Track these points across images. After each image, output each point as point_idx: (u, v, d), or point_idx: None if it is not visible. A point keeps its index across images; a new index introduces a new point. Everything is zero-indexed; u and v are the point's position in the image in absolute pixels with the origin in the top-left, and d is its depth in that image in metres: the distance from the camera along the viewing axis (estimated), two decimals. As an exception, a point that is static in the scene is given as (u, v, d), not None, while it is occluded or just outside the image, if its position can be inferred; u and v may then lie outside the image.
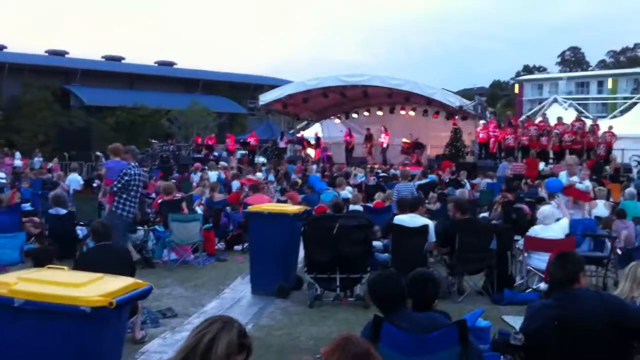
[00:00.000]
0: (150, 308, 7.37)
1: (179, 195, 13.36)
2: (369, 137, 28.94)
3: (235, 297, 8.68)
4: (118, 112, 45.78)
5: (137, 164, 9.85)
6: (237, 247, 12.39)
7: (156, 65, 60.37)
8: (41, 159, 28.90)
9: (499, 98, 79.69)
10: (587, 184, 11.41)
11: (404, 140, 27.41)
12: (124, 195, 9.14)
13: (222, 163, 20.06)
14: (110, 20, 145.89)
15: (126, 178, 9.13)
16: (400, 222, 8.83)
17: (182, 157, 28.75)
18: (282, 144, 29.56)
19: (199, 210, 12.88)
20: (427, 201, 13.04)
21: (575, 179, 11.03)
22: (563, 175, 11.00)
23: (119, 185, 9.10)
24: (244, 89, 55.57)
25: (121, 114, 45.65)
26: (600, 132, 23.38)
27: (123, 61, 58.36)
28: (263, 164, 24.62)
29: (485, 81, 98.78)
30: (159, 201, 12.47)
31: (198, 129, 39.58)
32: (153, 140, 31.72)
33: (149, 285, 4.04)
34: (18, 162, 26.45)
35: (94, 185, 16.86)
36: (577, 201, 10.88)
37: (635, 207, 12.66)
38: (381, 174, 21.86)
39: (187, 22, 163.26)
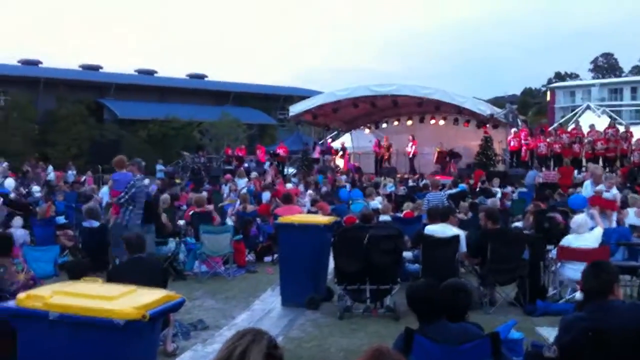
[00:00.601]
0: (182, 320, 7.42)
1: (210, 206, 13.45)
2: (387, 147, 28.85)
3: (266, 309, 8.70)
4: (150, 124, 46.34)
5: (142, 175, 9.97)
6: (267, 259, 12.43)
7: (187, 78, 61.03)
8: (75, 172, 29.36)
9: (531, 106, 78.83)
10: (614, 191, 11.21)
11: (438, 149, 27.23)
12: (130, 207, 9.26)
13: (254, 173, 20.16)
14: (143, 35, 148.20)
15: (133, 190, 9.26)
16: (431, 233, 8.78)
17: (213, 168, 28.96)
18: (315, 155, 29.62)
19: (230, 221, 12.97)
20: (458, 211, 12.97)
21: (601, 187, 10.82)
22: (588, 184, 10.74)
23: (126, 197, 9.24)
24: (273, 100, 55.90)
25: (153, 127, 46.21)
26: (634, 139, 22.97)
27: (155, 74, 59.14)
28: (293, 175, 24.68)
29: (516, 89, 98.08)
30: (190, 213, 12.58)
31: (229, 140, 39.85)
32: (184, 152, 32.02)
33: (182, 297, 4.07)
34: (51, 176, 26.87)
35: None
36: (605, 210, 10.65)
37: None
38: (411, 184, 21.77)
39: (217, 34, 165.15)
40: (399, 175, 25.21)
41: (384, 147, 28.86)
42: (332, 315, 8.16)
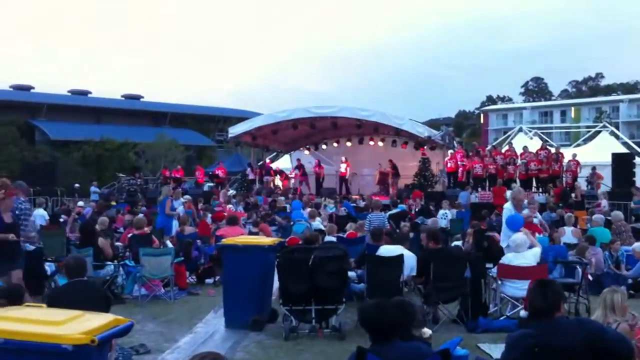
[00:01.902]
0: (123, 344, 7.21)
1: (147, 229, 13.19)
2: (299, 167, 28.97)
3: (209, 331, 8.55)
4: (84, 146, 45.35)
5: (27, 199, 9.75)
6: (209, 281, 12.26)
7: (123, 98, 60.14)
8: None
9: (465, 128, 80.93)
10: (538, 216, 11.52)
11: (381, 170, 27.53)
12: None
13: (186, 197, 19.92)
14: (77, 55, 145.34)
15: (17, 212, 9.06)
16: (378, 252, 8.85)
17: (150, 190, 28.50)
18: (251, 175, 29.50)
19: (169, 243, 12.76)
20: (398, 230, 13.15)
21: (527, 212, 10.89)
22: (509, 208, 10.17)
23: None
24: (211, 121, 55.66)
25: (88, 148, 45.23)
26: (565, 161, 23.83)
27: (89, 95, 58.03)
28: (233, 196, 24.50)
29: (450, 111, 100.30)
30: (129, 235, 12.31)
31: (166, 162, 39.33)
32: (120, 174, 31.43)
33: (130, 321, 3.97)
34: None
35: (61, 220, 16.59)
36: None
37: (603, 233, 12.88)
38: (352, 205, 21.91)
39: (154, 55, 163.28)
40: (342, 197, 25.32)
41: (297, 167, 28.81)
42: (277, 336, 8.09)
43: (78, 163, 43.59)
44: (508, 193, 22.10)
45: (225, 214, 16.59)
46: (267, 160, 32.07)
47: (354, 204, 21.88)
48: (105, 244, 10.76)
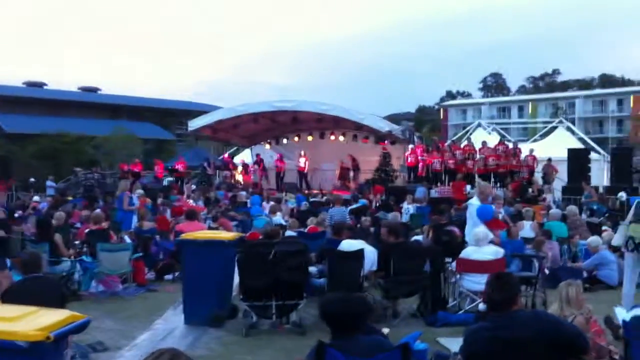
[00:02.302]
0: (79, 342, 7.07)
1: (106, 224, 12.99)
2: (259, 162, 28.94)
3: (168, 328, 8.43)
4: (41, 139, 44.41)
5: None
6: (168, 277, 12.10)
7: (79, 91, 59.08)
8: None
9: (425, 123, 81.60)
10: (502, 211, 11.64)
11: (342, 164, 27.58)
12: None
13: (139, 191, 19.65)
14: (32, 46, 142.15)
15: None
16: (339, 247, 8.86)
17: (108, 185, 28.07)
18: (210, 171, 29.29)
19: (128, 239, 12.58)
20: (359, 225, 13.19)
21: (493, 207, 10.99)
22: (475, 202, 10.31)
23: None
24: (171, 114, 55.02)
25: (44, 142, 44.28)
26: (522, 156, 24.23)
27: (45, 87, 56.87)
28: (192, 191, 24.28)
29: (411, 106, 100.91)
30: (86, 231, 12.10)
31: (123, 155, 38.75)
32: (77, 168, 30.90)
33: (87, 317, 3.89)
34: None
35: (16, 215, 16.22)
36: (493, 231, 10.89)
37: (559, 227, 13.13)
38: (312, 199, 21.93)
39: (111, 46, 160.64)
40: (306, 192, 25.32)
41: (256, 163, 28.82)
42: (238, 332, 8.03)
43: (34, 157, 42.66)
44: (467, 188, 22.51)
45: (185, 209, 16.42)
46: (226, 155, 31.84)
47: (315, 199, 21.91)
48: (60, 241, 10.54)
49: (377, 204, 19.90)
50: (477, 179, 20.68)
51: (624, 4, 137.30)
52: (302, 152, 28.27)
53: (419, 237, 12.61)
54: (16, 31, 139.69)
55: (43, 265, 6.60)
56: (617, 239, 9.04)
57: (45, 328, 3.35)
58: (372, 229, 12.81)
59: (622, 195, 19.60)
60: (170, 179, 28.86)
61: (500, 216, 11.26)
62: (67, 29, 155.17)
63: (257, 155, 29.34)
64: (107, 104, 56.65)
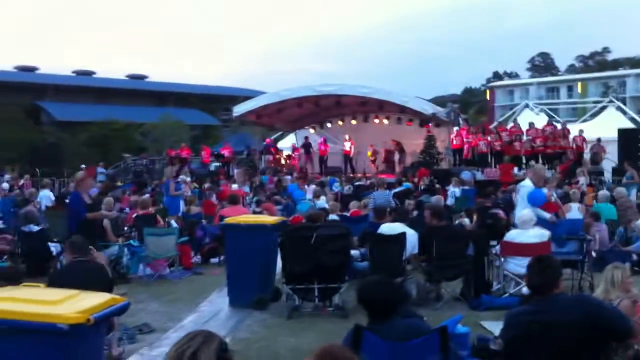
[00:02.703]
0: (127, 324, 7.25)
1: (152, 209, 13.23)
2: (306, 147, 28.95)
3: (213, 311, 8.59)
4: (90, 127, 45.36)
5: None
6: (214, 260, 12.30)
7: (127, 78, 60.06)
8: (9, 176, 28.44)
9: (471, 104, 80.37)
10: (554, 194, 11.35)
11: (387, 148, 27.47)
12: None
13: (182, 177, 19.88)
14: (81, 34, 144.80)
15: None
16: (379, 231, 8.84)
17: (156, 170, 28.54)
18: (268, 155, 29.55)
19: (174, 223, 12.80)
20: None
21: (545, 191, 10.76)
22: (528, 185, 10.11)
23: None
24: (216, 101, 55.45)
25: (93, 129, 45.22)
26: (570, 137, 23.70)
27: (94, 75, 58.00)
28: (238, 175, 24.50)
29: (457, 88, 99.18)
30: (134, 215, 12.35)
31: (171, 142, 39.31)
32: (126, 155, 31.47)
33: (127, 301, 3.98)
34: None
35: (67, 201, 16.64)
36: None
37: (608, 210, 12.82)
38: (357, 183, 21.91)
39: (158, 34, 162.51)
40: (350, 175, 25.31)
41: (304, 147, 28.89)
42: (280, 315, 8.12)
43: (84, 144, 43.62)
44: (515, 170, 22.17)
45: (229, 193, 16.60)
46: (268, 140, 31.94)
47: (359, 183, 21.88)
48: (108, 226, 10.78)
49: (422, 188, 19.75)
50: (531, 162, 20.15)
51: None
52: (347, 136, 28.21)
53: (466, 220, 12.49)
54: (66, 22, 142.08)
55: (89, 250, 6.73)
56: None
57: (85, 311, 3.44)
58: (415, 212, 12.72)
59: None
60: (217, 164, 29.16)
61: (552, 199, 10.96)
62: (117, 16, 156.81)
63: (306, 138, 29.38)
64: (154, 91, 57.46)
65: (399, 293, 4.22)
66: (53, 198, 16.69)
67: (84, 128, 45.35)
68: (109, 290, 5.29)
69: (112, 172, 29.41)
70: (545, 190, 10.51)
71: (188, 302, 9.02)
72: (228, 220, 9.24)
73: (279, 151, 30.53)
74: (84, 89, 52.62)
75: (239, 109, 28.71)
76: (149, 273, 10.72)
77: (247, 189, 20.82)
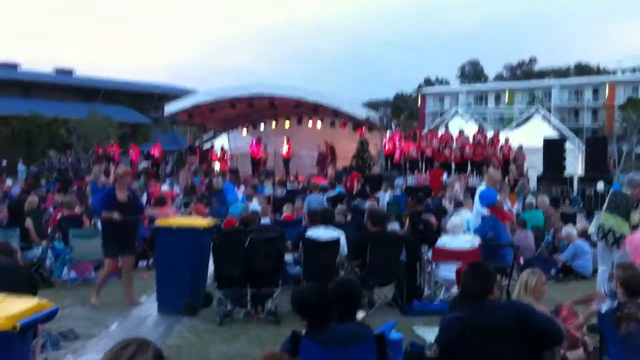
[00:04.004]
0: (50, 330, 6.95)
1: (78, 209, 12.79)
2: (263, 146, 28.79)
3: (141, 316, 8.35)
4: (13, 121, 43.65)
5: None
6: (142, 264, 11.96)
7: (54, 72, 58.20)
8: None
9: (403, 110, 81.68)
10: (508, 204, 11.49)
11: (320, 151, 27.49)
12: None
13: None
14: (5, 25, 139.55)
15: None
16: (313, 235, 8.78)
17: (82, 169, 27.74)
18: (192, 156, 29.05)
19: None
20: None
21: (500, 199, 10.63)
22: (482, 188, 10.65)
23: None
24: (147, 98, 54.45)
25: (16, 124, 43.53)
26: (499, 145, 24.33)
27: (18, 68, 55.92)
28: (168, 176, 24.12)
29: (389, 93, 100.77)
30: (58, 216, 11.91)
31: (98, 139, 38.27)
32: (51, 152, 30.48)
33: (55, 306, 3.80)
34: None
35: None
36: (503, 222, 10.80)
37: (534, 216, 13.18)
38: (289, 186, 21.83)
39: (86, 27, 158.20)
40: (277, 178, 25.22)
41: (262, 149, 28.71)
42: (212, 321, 7.95)
43: (7, 139, 41.98)
44: (445, 176, 22.58)
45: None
46: (190, 140, 31.45)
47: (292, 186, 21.82)
48: (31, 226, 10.35)
49: (355, 192, 19.84)
50: (490, 167, 20.40)
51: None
52: (286, 139, 28.11)
53: (396, 225, 12.60)
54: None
55: (16, 252, 6.41)
56: (592, 228, 9.09)
57: (11, 317, 3.26)
58: (347, 217, 12.74)
59: (600, 185, 19.79)
60: (146, 163, 28.55)
61: (505, 207, 11.07)
62: (43, 7, 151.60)
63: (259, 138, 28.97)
64: (81, 87, 55.85)
65: (344, 296, 4.18)
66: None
67: (6, 122, 43.64)
68: (33, 294, 5.04)
69: (35, 170, 28.41)
70: (500, 198, 10.68)
71: (115, 308, 8.71)
72: (159, 222, 8.99)
73: (208, 152, 30.13)
74: (7, 82, 50.63)
75: (170, 108, 28.28)
76: (74, 277, 10.33)
77: (177, 189, 20.47)
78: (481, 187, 10.26)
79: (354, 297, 4.31)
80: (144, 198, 16.65)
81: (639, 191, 8.04)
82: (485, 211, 9.95)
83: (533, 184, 22.61)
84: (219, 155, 29.97)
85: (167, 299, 8.36)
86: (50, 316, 3.78)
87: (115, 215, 8.46)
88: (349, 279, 4.63)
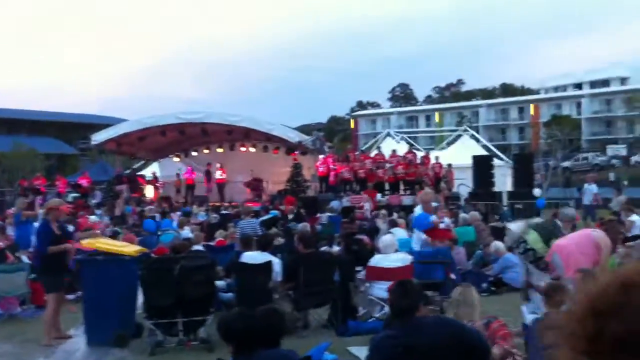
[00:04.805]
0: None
1: (2, 244, 12.30)
2: (207, 173, 28.60)
3: (69, 350, 8.06)
4: None
5: None
6: (70, 297, 11.53)
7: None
8: None
9: (337, 133, 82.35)
10: (447, 221, 11.61)
11: (254, 176, 27.38)
12: None
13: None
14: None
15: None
16: (246, 260, 8.68)
17: (6, 202, 26.72)
18: (119, 186, 28.37)
19: (26, 259, 11.94)
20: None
21: (434, 217, 10.86)
22: (418, 210, 10.80)
23: None
24: (73, 129, 53.17)
25: None
26: (430, 164, 24.79)
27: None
28: (97, 206, 23.49)
29: (322, 117, 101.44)
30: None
31: (24, 172, 37.02)
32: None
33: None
34: None
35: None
36: (442, 240, 10.91)
37: (467, 232, 13.41)
38: (223, 212, 21.61)
39: (10, 57, 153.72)
40: (211, 204, 24.93)
41: (206, 173, 28.40)
42: (143, 351, 7.73)
43: None
44: (379, 196, 22.81)
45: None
46: (117, 169, 30.82)
47: (227, 212, 21.60)
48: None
49: (290, 215, 19.78)
50: (425, 187, 20.59)
51: (522, 17, 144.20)
52: (219, 165, 27.86)
53: (336, 247, 12.57)
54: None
55: None
56: (509, 240, 9.29)
57: None
58: (281, 240, 12.67)
59: (537, 191, 20.26)
60: (75, 194, 27.72)
61: (441, 225, 11.17)
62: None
63: (208, 164, 28.49)
64: (4, 119, 54.15)
65: (269, 324, 4.09)
66: None
67: None
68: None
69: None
70: (433, 217, 10.82)
71: (43, 343, 8.37)
72: (84, 243, 8.71)
73: (142, 180, 29.54)
74: None
75: (97, 137, 27.66)
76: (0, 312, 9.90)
77: (107, 220, 19.96)
78: (416, 211, 10.41)
79: (277, 326, 4.22)
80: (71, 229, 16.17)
81: (570, 225, 8.34)
82: (423, 235, 10.10)
83: (464, 200, 23.08)
84: (149, 181, 29.39)
85: (96, 331, 8.09)
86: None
87: (69, 246, 8.28)
88: (273, 308, 4.53)
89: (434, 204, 11.22)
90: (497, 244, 12.10)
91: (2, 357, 7.69)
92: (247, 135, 27.14)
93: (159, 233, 15.91)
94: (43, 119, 55.61)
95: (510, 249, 11.32)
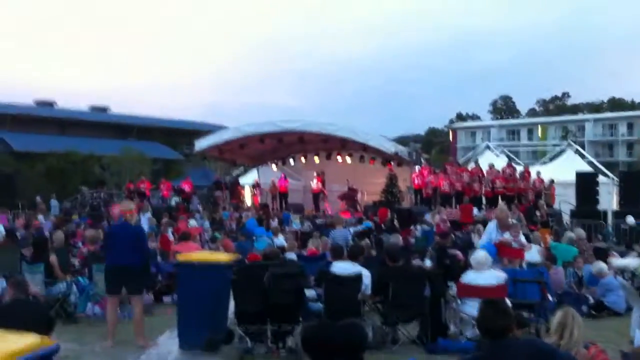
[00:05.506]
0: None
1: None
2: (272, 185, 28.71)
3: (162, 354, 8.25)
4: (49, 158, 44.49)
5: None
6: (167, 299, 11.92)
7: (89, 110, 59.43)
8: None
9: (434, 145, 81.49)
10: (522, 239, 11.21)
11: (350, 186, 27.44)
12: None
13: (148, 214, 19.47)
14: (43, 64, 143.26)
15: None
16: (336, 270, 8.66)
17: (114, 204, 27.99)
18: (217, 192, 29.18)
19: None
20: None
21: (507, 235, 10.64)
22: (492, 228, 10.61)
23: None
24: (179, 134, 55.16)
25: (52, 160, 44.35)
26: (531, 179, 24.01)
27: (55, 106, 57.27)
28: (197, 211, 24.22)
29: (420, 128, 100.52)
30: (85, 251, 11.97)
31: (132, 175, 38.74)
32: (83, 187, 30.87)
33: (55, 344, 3.74)
34: None
35: (18, 235, 16.10)
36: (512, 260, 10.60)
37: (567, 251, 12.87)
38: (317, 221, 21.77)
39: (121, 65, 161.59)
40: (306, 212, 25.17)
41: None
42: (232, 357, 7.85)
43: (42, 175, 42.71)
44: (475, 210, 22.27)
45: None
46: (216, 176, 31.67)
47: (319, 221, 21.76)
48: (55, 262, 10.39)
49: (384, 227, 19.68)
50: (499, 203, 20.05)
51: (633, 28, 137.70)
52: (315, 174, 28.12)
53: (428, 261, 12.36)
54: (27, 50, 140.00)
55: (28, 289, 6.43)
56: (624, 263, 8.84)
57: (9, 355, 3.20)
58: (373, 252, 12.59)
59: (630, 219, 19.31)
60: (177, 199, 28.73)
61: (514, 244, 10.81)
62: (79, 46, 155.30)
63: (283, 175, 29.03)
64: (115, 124, 56.89)
65: (349, 338, 4.02)
66: (3, 231, 16.08)
67: (42, 159, 44.50)
68: (49, 331, 4.99)
69: (68, 205, 28.76)
70: (506, 235, 10.50)
71: (138, 344, 8.65)
72: (180, 257, 8.97)
73: (240, 187, 30.26)
74: (44, 119, 51.84)
75: (201, 144, 28.55)
76: (98, 312, 10.32)
77: (207, 225, 20.52)
78: (491, 223, 10.11)
79: (357, 340, 4.13)
80: (169, 233, 16.73)
81: None
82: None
83: (566, 217, 22.20)
84: (252, 189, 30.04)
85: (188, 336, 8.27)
86: (50, 354, 3.71)
87: None
88: (354, 322, 4.41)
89: (512, 221, 10.87)
90: (601, 265, 11.53)
91: (98, 356, 7.94)
92: (344, 144, 27.24)
93: (254, 238, 16.20)
94: (151, 124, 57.99)
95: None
